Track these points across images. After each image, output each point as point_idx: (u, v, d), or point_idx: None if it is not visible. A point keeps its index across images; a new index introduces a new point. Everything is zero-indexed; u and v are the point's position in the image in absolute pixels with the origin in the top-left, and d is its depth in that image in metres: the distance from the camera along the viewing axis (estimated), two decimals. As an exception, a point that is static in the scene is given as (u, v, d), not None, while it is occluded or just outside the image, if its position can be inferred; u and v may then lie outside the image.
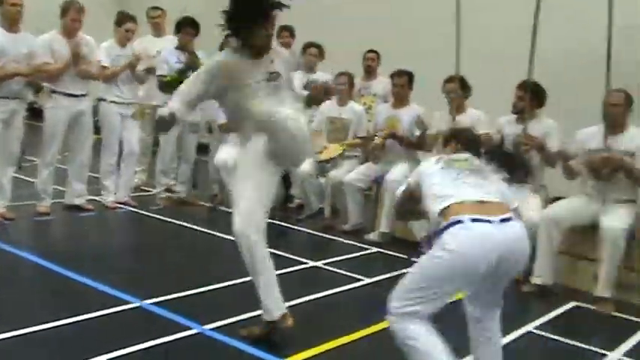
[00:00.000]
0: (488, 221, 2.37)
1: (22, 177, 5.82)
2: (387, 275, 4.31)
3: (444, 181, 2.57)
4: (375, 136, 5.53)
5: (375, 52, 6.39)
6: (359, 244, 5.13)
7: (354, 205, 5.49)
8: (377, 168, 5.57)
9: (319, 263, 4.51)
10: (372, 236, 5.31)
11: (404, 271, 4.41)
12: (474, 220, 2.36)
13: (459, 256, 2.33)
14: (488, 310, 2.64)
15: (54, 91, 5.23)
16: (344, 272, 4.32)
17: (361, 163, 5.76)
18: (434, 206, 2.51)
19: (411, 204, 2.83)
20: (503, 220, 2.39)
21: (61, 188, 5.57)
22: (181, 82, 5.61)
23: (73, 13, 5.13)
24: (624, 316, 3.94)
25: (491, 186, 2.56)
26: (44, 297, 3.64)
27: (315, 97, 4.19)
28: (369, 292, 4.06)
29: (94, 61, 5.38)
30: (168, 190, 6.12)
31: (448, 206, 2.43)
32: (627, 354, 3.37)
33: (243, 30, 3.05)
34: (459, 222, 2.36)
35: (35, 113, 9.59)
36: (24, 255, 4.19)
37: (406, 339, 2.39)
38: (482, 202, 2.44)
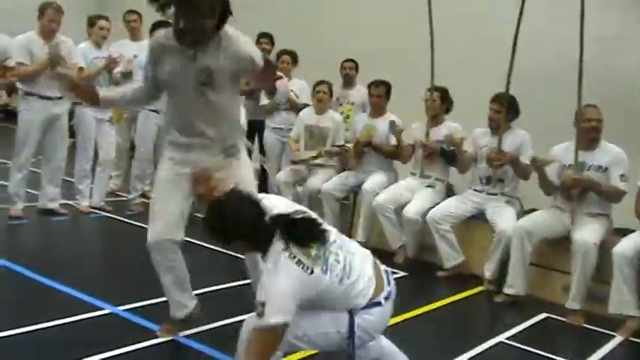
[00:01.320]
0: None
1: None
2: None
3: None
4: (347, 143, 5.61)
5: (354, 61, 6.43)
6: (334, 253, 5.13)
7: (330, 214, 5.50)
8: (354, 177, 5.59)
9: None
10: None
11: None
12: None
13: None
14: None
15: (28, 94, 5.17)
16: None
17: (338, 172, 5.78)
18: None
19: None
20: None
21: (34, 192, 5.49)
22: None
23: (50, 13, 5.06)
24: (595, 327, 4.00)
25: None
26: (15, 302, 3.57)
27: None
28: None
29: (72, 63, 5.32)
30: (144, 195, 6.08)
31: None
32: (597, 365, 3.43)
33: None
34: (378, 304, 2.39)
35: (9, 115, 9.53)
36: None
37: None
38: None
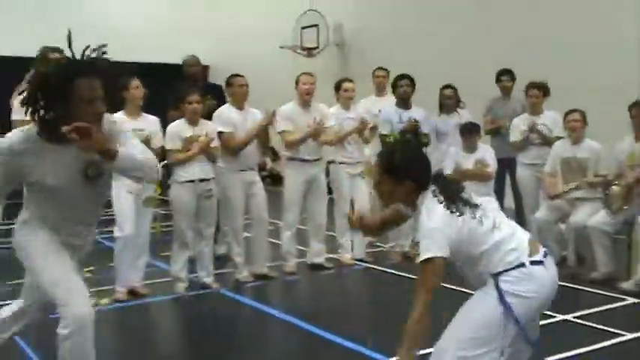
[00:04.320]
0: None
1: (271, 240, 6.22)
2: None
3: None
4: (615, 184, 5.05)
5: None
6: (612, 295, 4.65)
7: (602, 251, 5.01)
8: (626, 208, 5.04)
9: (569, 316, 4.16)
10: (627, 285, 4.78)
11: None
12: None
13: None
14: None
15: (291, 158, 5.65)
16: (600, 326, 3.93)
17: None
18: None
19: None
20: None
21: (303, 248, 5.92)
22: (405, 142, 5.85)
23: (304, 78, 5.58)
24: None
25: None
26: (292, 353, 3.85)
27: None
28: (634, 348, 3.63)
29: (329, 126, 5.71)
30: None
31: None
32: None
33: None
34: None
35: (274, 179, 10.56)
36: (273, 312, 4.53)
37: None
38: None
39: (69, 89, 2.49)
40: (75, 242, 2.80)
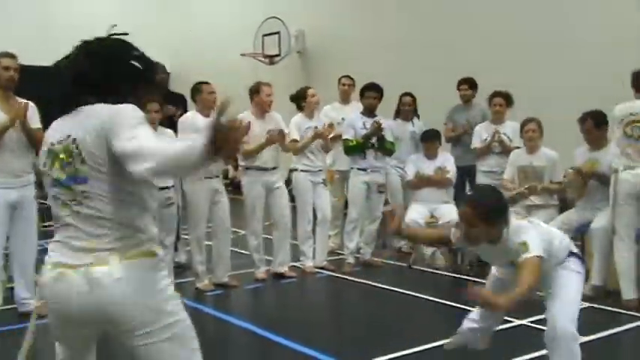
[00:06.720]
0: None
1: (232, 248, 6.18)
2: (605, 333, 3.95)
3: None
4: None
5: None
6: (567, 299, 4.75)
7: (557, 258, 5.12)
8: (579, 216, 5.18)
9: (525, 321, 4.24)
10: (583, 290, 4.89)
11: (623, 328, 4.05)
12: None
13: None
14: None
15: (248, 167, 5.60)
16: (555, 331, 4.00)
17: (560, 212, 5.40)
18: None
19: None
20: None
21: (268, 257, 5.82)
22: (366, 147, 5.92)
23: (266, 89, 5.52)
24: None
25: None
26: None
27: None
28: (587, 351, 3.70)
29: (286, 135, 5.70)
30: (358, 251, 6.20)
31: None
32: None
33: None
34: None
35: (236, 188, 10.46)
36: (234, 321, 4.50)
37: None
38: None
39: None
40: None
